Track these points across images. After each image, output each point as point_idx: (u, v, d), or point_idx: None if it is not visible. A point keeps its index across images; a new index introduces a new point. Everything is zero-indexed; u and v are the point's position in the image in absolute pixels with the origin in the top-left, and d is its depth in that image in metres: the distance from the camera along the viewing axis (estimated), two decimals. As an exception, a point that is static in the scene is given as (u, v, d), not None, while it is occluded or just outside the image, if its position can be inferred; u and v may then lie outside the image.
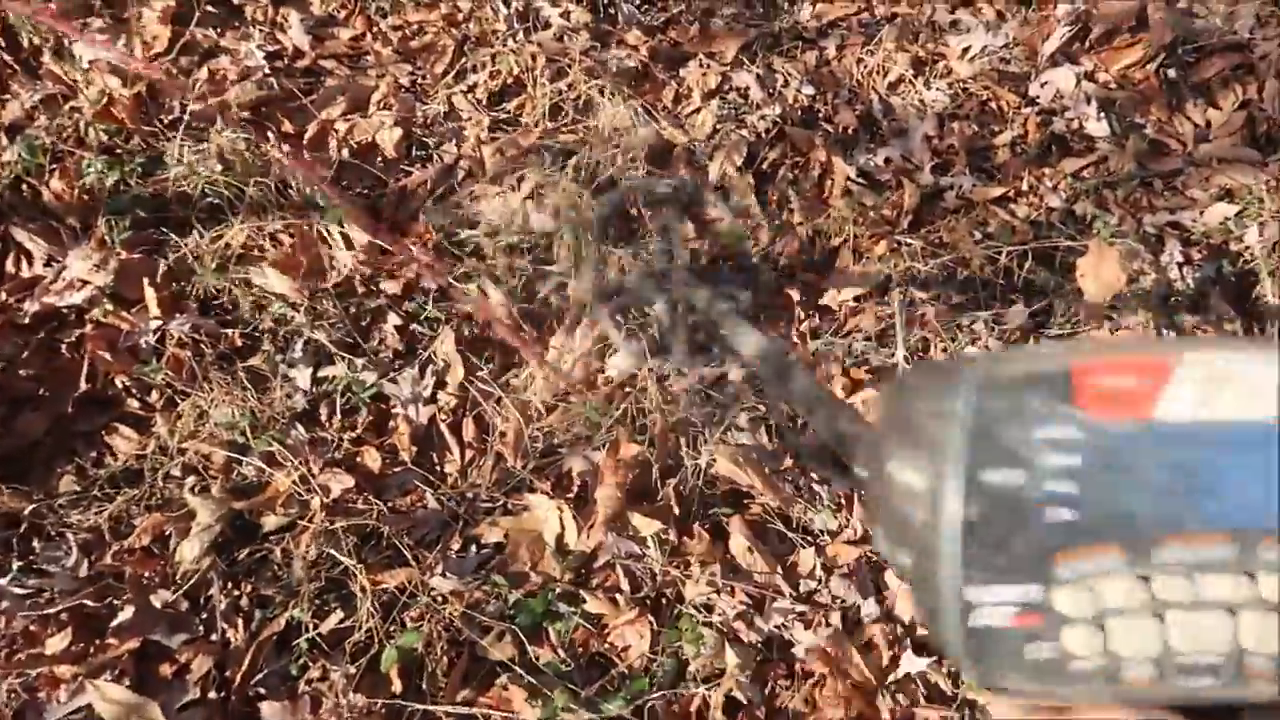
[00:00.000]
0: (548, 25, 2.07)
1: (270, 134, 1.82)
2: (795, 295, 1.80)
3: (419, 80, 1.96)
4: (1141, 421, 0.34)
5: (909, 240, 1.84)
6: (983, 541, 0.33)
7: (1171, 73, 2.13)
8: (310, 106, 1.89)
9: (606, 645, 1.47)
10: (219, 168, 1.66)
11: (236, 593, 1.44)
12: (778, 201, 1.89)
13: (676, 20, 2.15)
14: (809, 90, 2.05)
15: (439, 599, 1.45)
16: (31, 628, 1.34)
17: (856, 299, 1.79)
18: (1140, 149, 2.00)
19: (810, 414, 0.93)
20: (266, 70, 1.92)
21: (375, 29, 2.03)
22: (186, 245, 1.62)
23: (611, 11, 2.15)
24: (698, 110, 2.00)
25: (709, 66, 2.07)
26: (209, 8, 2.01)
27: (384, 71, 1.97)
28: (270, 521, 1.48)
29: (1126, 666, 0.34)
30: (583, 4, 2.11)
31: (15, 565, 1.40)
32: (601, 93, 1.95)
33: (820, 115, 2.04)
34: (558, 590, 1.49)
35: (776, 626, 1.49)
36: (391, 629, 1.43)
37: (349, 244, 1.68)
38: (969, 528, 0.34)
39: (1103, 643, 0.33)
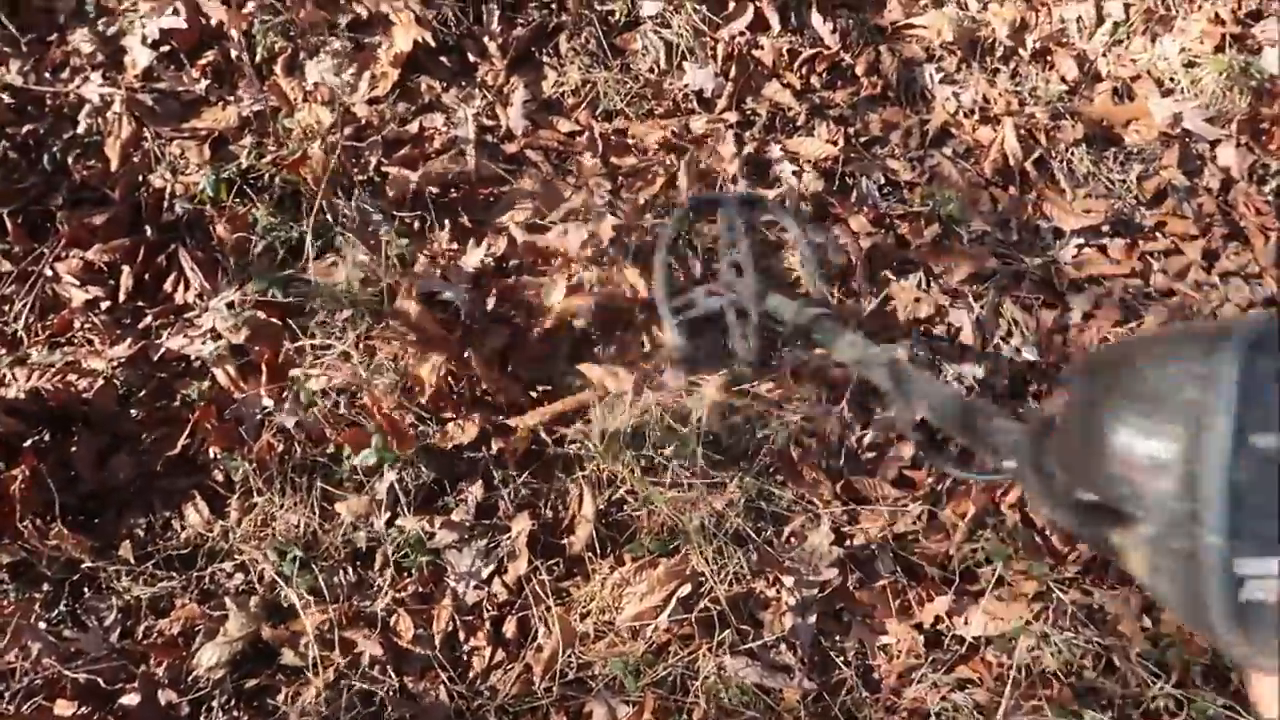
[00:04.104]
0: (776, 181, 1.87)
1: (445, 226, 1.75)
2: (911, 596, 1.59)
3: (616, 206, 1.82)
4: None
5: (1064, 591, 1.57)
6: (1250, 510, 0.32)
7: None
8: (498, 201, 1.80)
9: None
10: (361, 264, 1.60)
11: (236, 714, 1.45)
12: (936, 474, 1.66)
13: (916, 217, 1.88)
14: (1030, 355, 1.77)
15: (413, 802, 1.42)
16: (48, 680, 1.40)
17: (977, 641, 1.56)
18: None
19: (943, 418, 0.94)
20: (472, 146, 1.84)
21: (593, 131, 1.89)
22: (303, 341, 1.59)
23: (849, 183, 1.91)
24: (894, 338, 1.77)
25: (929, 288, 1.81)
26: (443, 59, 1.93)
27: (583, 183, 1.84)
28: (288, 657, 1.47)
29: None
30: (818, 169, 1.89)
31: (62, 608, 1.46)
32: (795, 285, 1.75)
33: (1031, 390, 1.76)
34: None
35: None
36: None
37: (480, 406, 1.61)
38: (1237, 496, 0.32)
39: None
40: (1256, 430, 0.32)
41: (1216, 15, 2.10)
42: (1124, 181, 1.98)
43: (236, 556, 1.50)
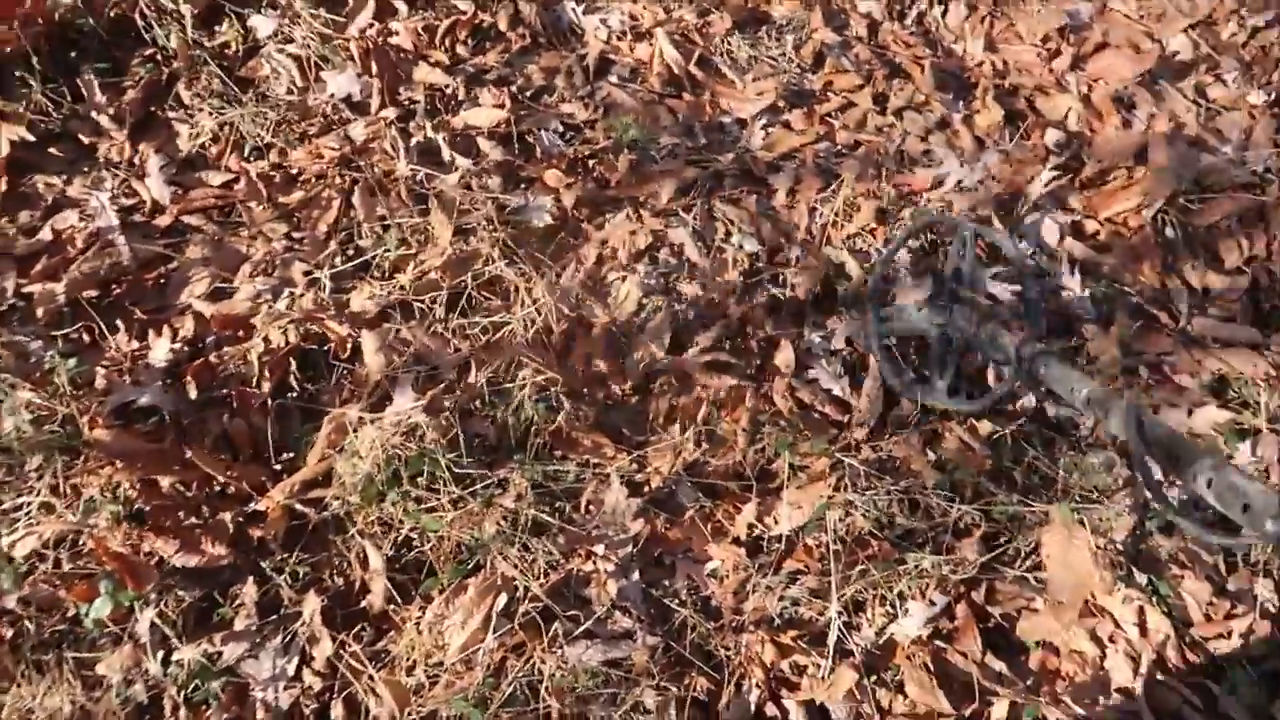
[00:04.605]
0: (454, 167, 1.79)
1: (119, 327, 1.57)
2: (720, 515, 1.60)
3: (296, 246, 1.69)
4: None
5: (853, 456, 1.62)
6: None
7: (1170, 226, 1.86)
8: (170, 281, 1.63)
9: None
10: (27, 405, 1.41)
11: None
12: (710, 400, 1.66)
13: (605, 153, 1.86)
14: (751, 246, 1.79)
15: None
16: None
17: (793, 533, 1.58)
18: (1126, 332, 1.76)
19: (1179, 468, 1.00)
20: (119, 233, 1.65)
21: (249, 174, 1.74)
22: None
23: (530, 141, 1.86)
24: (623, 277, 1.74)
25: (640, 219, 1.79)
26: (53, 150, 1.72)
27: (257, 232, 1.69)
28: None
29: None
30: (495, 139, 1.82)
31: None
32: (511, 262, 1.69)
33: (766, 278, 1.78)
34: None
35: None
36: None
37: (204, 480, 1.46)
38: None
39: None
40: None
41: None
42: (784, 55, 2.03)
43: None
